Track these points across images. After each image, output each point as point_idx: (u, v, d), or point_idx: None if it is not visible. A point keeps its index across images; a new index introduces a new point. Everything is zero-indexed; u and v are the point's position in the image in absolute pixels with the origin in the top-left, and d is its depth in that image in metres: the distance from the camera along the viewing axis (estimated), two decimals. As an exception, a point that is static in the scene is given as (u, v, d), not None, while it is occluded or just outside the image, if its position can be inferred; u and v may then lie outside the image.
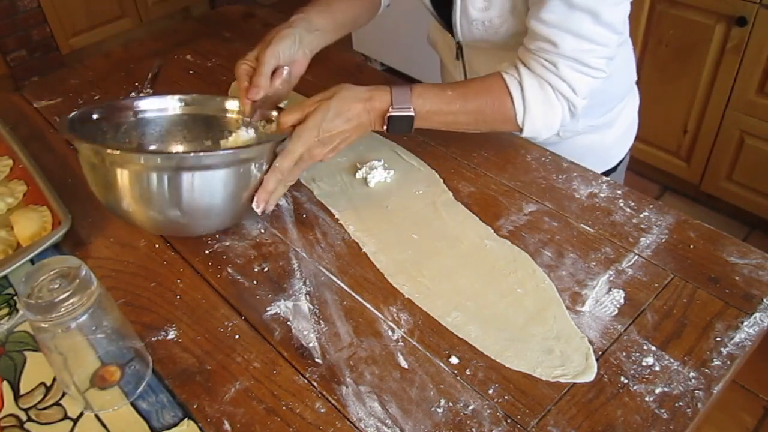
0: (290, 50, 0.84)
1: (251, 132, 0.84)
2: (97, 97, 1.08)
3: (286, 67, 0.85)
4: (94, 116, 0.80)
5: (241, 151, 0.74)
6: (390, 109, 0.77)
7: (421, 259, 0.75)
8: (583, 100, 0.79)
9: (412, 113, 0.77)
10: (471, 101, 0.80)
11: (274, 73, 0.83)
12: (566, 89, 0.77)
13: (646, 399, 0.60)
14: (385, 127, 0.78)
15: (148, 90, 1.08)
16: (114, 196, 0.71)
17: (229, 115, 0.87)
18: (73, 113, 0.77)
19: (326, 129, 0.75)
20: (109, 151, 0.70)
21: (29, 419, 0.62)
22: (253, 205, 0.74)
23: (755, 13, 1.62)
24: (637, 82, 1.05)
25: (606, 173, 0.99)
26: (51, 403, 0.63)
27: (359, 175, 0.87)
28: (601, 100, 0.93)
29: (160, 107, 0.85)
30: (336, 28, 0.93)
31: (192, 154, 0.67)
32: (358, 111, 0.77)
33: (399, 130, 0.79)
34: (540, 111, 0.79)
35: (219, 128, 0.87)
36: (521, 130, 0.81)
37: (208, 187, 0.71)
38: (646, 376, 0.62)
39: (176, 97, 0.86)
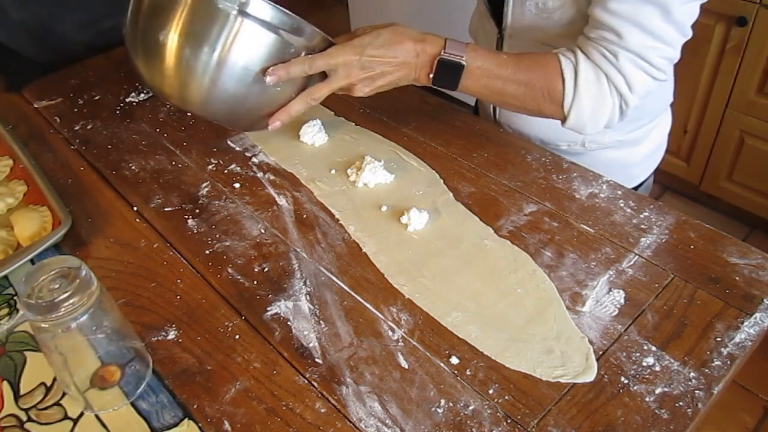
0: None
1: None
2: (97, 98, 1.08)
3: None
4: None
5: (301, 22, 0.73)
6: (442, 53, 0.75)
7: (421, 259, 0.75)
8: (638, 99, 0.76)
9: (463, 61, 0.75)
10: (522, 72, 0.76)
11: None
12: (622, 83, 0.74)
13: (647, 399, 0.60)
14: (431, 76, 0.75)
15: (148, 90, 1.08)
16: (158, 21, 0.71)
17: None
18: None
19: (370, 53, 0.74)
20: None
21: (29, 419, 0.62)
22: (270, 122, 0.75)
23: (755, 13, 1.62)
24: (672, 104, 1.01)
25: None
26: (51, 403, 0.63)
27: (359, 175, 0.87)
28: (634, 116, 0.88)
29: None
30: None
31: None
32: (408, 48, 0.75)
33: (444, 82, 0.76)
34: (590, 100, 0.75)
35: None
36: (565, 119, 0.78)
37: (251, 44, 0.71)
38: (647, 376, 0.62)
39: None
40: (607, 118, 0.77)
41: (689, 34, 0.74)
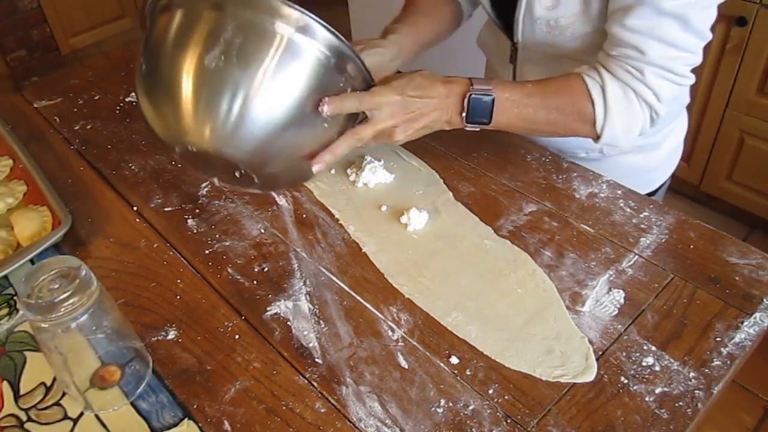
0: (373, 66, 0.79)
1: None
2: (97, 98, 1.08)
3: None
4: None
5: (355, 58, 0.66)
6: (470, 89, 0.75)
7: (421, 259, 0.75)
8: (666, 107, 0.76)
9: (492, 94, 0.75)
10: (550, 97, 0.77)
11: None
12: (651, 96, 0.74)
13: (646, 399, 0.60)
14: (464, 114, 0.75)
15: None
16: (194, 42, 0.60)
17: None
18: None
19: (410, 94, 0.73)
20: None
21: (29, 419, 0.62)
22: (314, 162, 0.69)
23: (755, 13, 1.61)
24: (689, 107, 1.00)
25: (647, 195, 0.92)
26: (51, 403, 0.63)
27: (359, 175, 0.87)
28: None
29: None
30: (419, 50, 0.92)
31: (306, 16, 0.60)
32: (439, 89, 0.75)
33: (478, 117, 0.76)
34: (621, 117, 0.75)
35: None
36: (598, 137, 0.78)
37: (304, 71, 0.63)
38: (646, 376, 0.62)
39: None
40: (639, 129, 0.77)
41: (709, 37, 0.73)
